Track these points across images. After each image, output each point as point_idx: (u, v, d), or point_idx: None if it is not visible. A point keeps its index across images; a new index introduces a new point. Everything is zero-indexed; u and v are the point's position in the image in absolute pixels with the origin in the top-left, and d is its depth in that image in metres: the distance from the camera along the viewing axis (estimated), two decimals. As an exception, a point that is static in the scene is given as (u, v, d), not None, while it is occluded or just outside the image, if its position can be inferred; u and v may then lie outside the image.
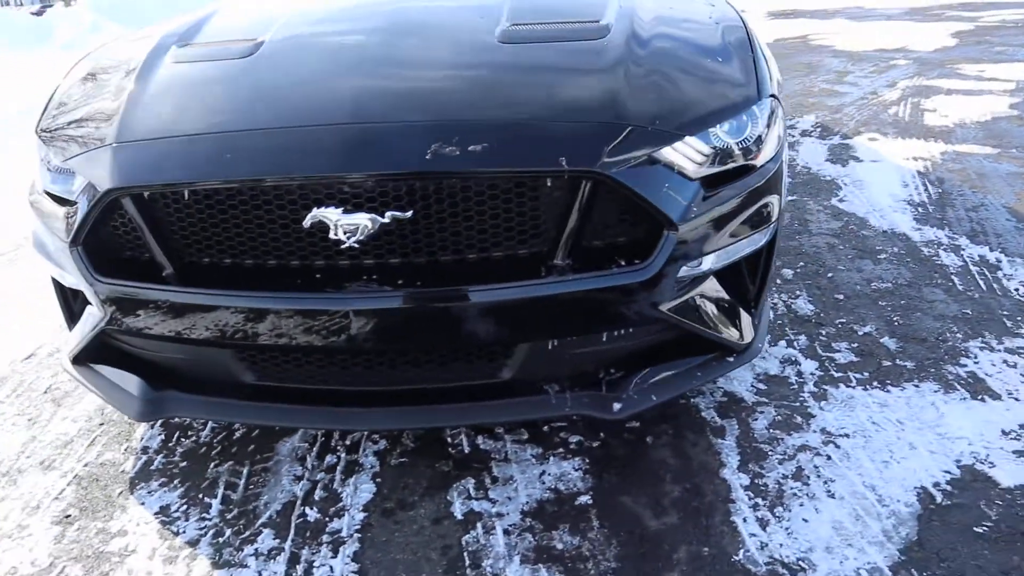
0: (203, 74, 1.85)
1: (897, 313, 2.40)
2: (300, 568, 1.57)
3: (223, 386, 1.75)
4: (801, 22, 9.26)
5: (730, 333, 1.76)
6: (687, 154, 1.60)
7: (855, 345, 2.23)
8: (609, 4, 2.02)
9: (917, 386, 2.03)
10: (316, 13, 2.21)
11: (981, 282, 2.57)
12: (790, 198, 3.45)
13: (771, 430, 1.89)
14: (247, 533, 1.67)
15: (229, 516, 1.73)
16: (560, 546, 1.59)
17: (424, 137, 1.50)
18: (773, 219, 1.79)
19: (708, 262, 1.67)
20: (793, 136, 4.45)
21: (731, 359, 1.77)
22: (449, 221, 1.54)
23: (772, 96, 1.82)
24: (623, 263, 1.56)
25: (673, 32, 1.93)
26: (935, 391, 2.00)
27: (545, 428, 1.93)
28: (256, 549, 1.63)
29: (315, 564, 1.58)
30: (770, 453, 1.81)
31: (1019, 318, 2.32)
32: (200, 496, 1.80)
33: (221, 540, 1.66)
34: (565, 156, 1.49)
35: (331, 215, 1.51)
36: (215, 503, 1.77)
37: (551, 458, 1.84)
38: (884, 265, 2.73)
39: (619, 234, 1.60)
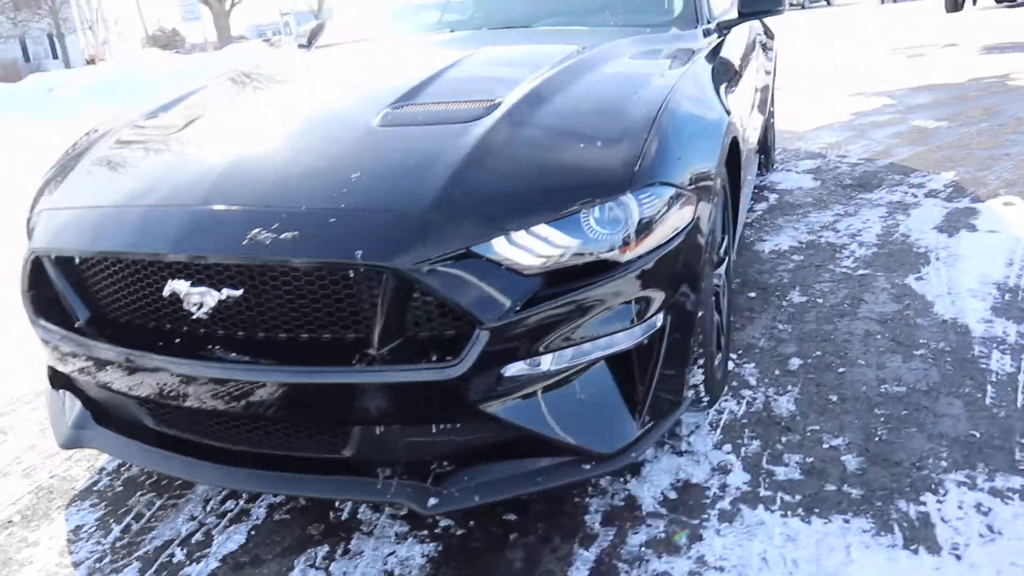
0: (122, 154, 2.05)
1: (887, 426, 2.06)
2: (136, 608, 1.71)
3: (133, 428, 1.94)
4: (1014, 57, 8.09)
5: (588, 438, 1.64)
6: (522, 247, 1.53)
7: (809, 460, 1.96)
8: (532, 77, 1.97)
9: (846, 521, 1.74)
10: (242, 101, 2.35)
11: (1021, 398, 2.13)
12: (862, 271, 3.07)
13: (643, 548, 1.72)
14: (120, 563, 1.84)
15: (118, 545, 1.91)
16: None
17: (245, 223, 1.57)
18: (649, 317, 1.65)
19: (547, 362, 1.58)
20: (915, 197, 3.94)
21: (587, 466, 1.65)
22: (275, 302, 1.60)
23: (668, 184, 1.67)
24: (435, 358, 1.53)
25: (572, 109, 1.84)
26: (863, 531, 1.71)
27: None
28: (115, 583, 1.79)
29: (150, 606, 1.71)
30: None
31: (1041, 451, 1.91)
32: (110, 521, 2.00)
33: (97, 567, 1.84)
34: (363, 249, 1.49)
35: (181, 287, 1.64)
36: (116, 530, 1.96)
37: (409, 539, 1.82)
38: (914, 363, 2.36)
39: (444, 327, 1.57)
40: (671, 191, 1.69)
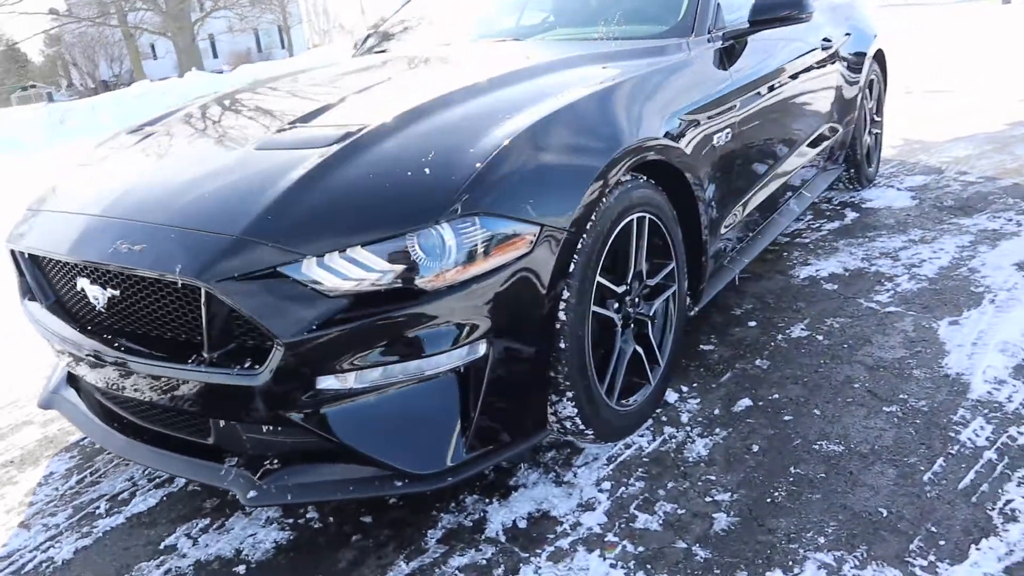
0: (90, 164, 2.33)
1: (791, 488, 1.88)
2: (46, 545, 2.00)
3: (86, 397, 2.24)
4: None
5: (399, 456, 1.68)
6: (332, 270, 1.60)
7: (679, 512, 1.84)
8: (417, 100, 2.01)
9: (671, 581, 1.64)
10: (193, 120, 2.48)
11: (969, 477, 1.84)
12: (892, 308, 2.74)
13: (457, 571, 1.73)
14: (59, 508, 2.16)
15: (68, 493, 2.23)
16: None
17: (116, 234, 1.78)
18: (464, 344, 1.66)
19: (351, 380, 1.64)
20: (1018, 226, 3.40)
21: (399, 483, 1.69)
22: (139, 304, 1.80)
23: (496, 215, 1.66)
24: (247, 365, 1.65)
25: (425, 137, 1.83)
26: (681, 595, 1.60)
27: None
28: (45, 523, 2.10)
29: (55, 545, 1.99)
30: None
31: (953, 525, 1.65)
32: (74, 472, 2.33)
33: (44, 508, 2.17)
34: (182, 264, 1.64)
35: (83, 284, 1.90)
36: (73, 480, 2.29)
37: (273, 525, 1.95)
38: (874, 421, 2.10)
39: (260, 338, 1.68)
40: (503, 223, 1.67)
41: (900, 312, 2.72)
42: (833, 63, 3.45)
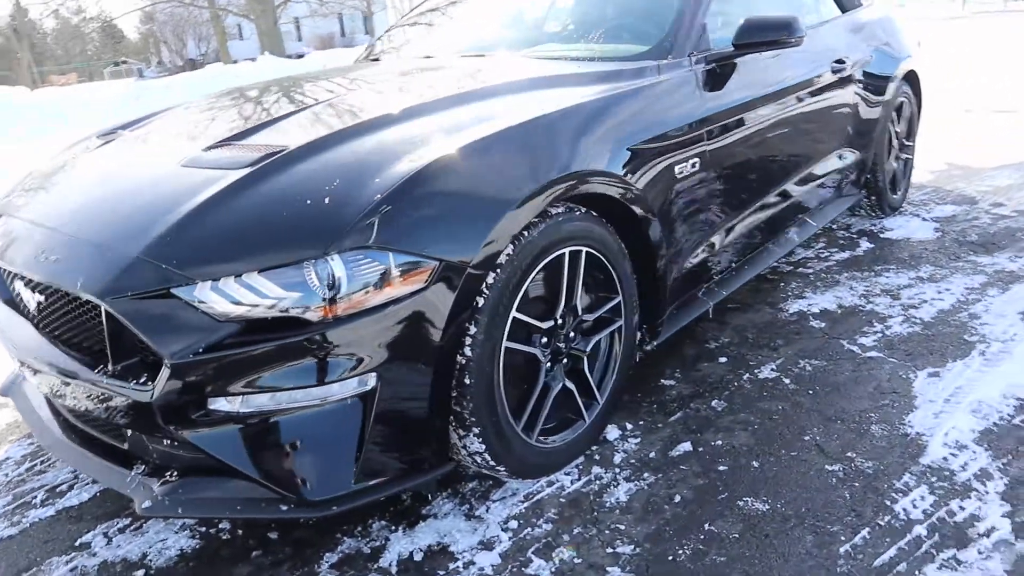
0: (54, 166, 2.37)
1: (698, 546, 1.79)
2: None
3: (39, 395, 2.31)
4: None
5: (283, 481, 1.68)
6: (225, 294, 1.60)
7: (576, 561, 1.77)
8: (342, 124, 1.99)
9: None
10: (151, 125, 2.50)
11: (888, 555, 1.72)
12: (874, 354, 2.59)
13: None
14: (1, 494, 2.24)
15: (15, 479, 2.31)
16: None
17: (40, 244, 1.83)
18: (350, 377, 1.64)
19: (237, 403, 1.64)
20: (1042, 268, 3.17)
21: (284, 507, 1.69)
22: (60, 312, 1.85)
23: (392, 249, 1.63)
24: (143, 380, 1.66)
25: (337, 163, 1.80)
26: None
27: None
28: (-15, 509, 2.19)
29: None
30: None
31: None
32: (27, 459, 2.42)
33: (-13, 493, 2.26)
34: (83, 279, 1.66)
35: (19, 288, 1.96)
36: (24, 467, 2.37)
37: (187, 532, 1.98)
38: (812, 480, 1.98)
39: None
40: (398, 257, 1.64)
41: (880, 358, 2.57)
42: (846, 86, 3.27)
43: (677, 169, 2.31)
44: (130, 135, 2.43)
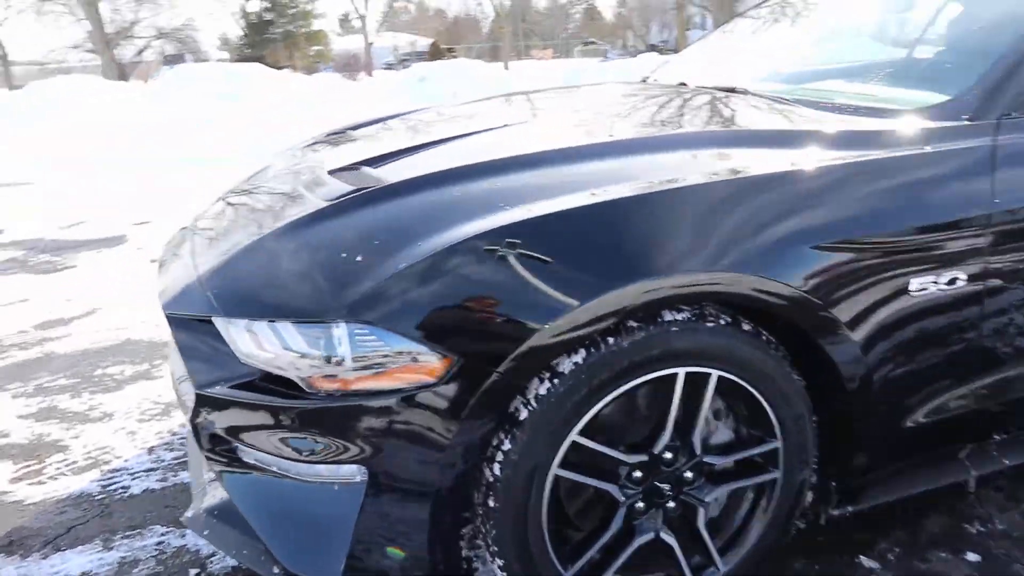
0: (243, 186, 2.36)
1: None
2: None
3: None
4: None
5: (281, 544, 1.53)
6: (253, 335, 1.51)
7: None
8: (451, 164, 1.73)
9: None
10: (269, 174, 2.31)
11: None
12: None
13: None
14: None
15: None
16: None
17: (185, 249, 1.91)
18: (334, 461, 1.45)
19: (247, 451, 1.55)
20: None
21: (276, 570, 1.54)
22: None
23: (397, 332, 1.37)
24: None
25: (395, 211, 1.58)
26: None
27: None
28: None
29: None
30: None
31: None
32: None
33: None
34: (165, 291, 1.72)
35: None
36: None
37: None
38: None
39: None
40: (403, 343, 1.36)
41: None
42: None
43: (916, 284, 1.58)
44: (331, 140, 2.47)
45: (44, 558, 1.98)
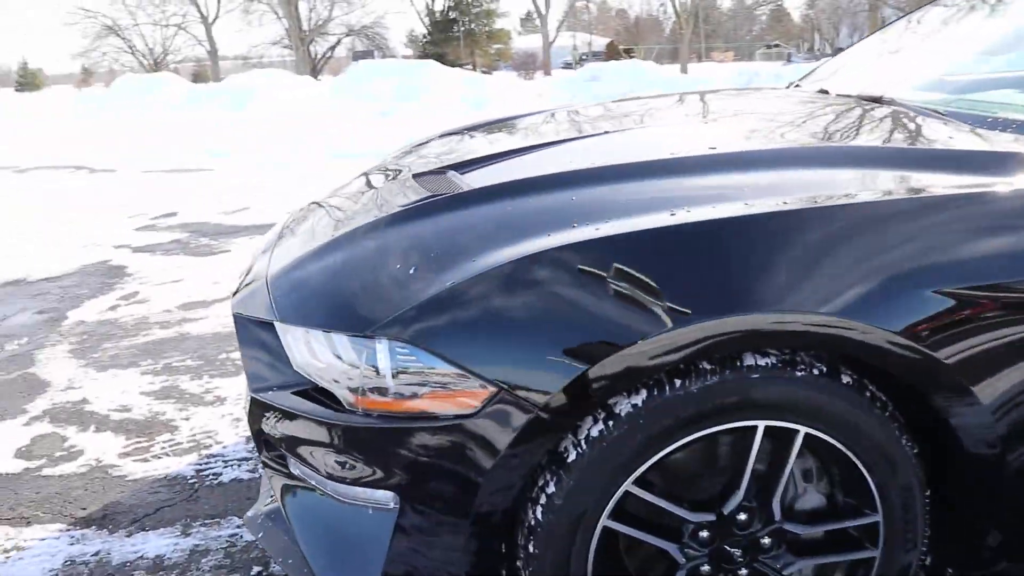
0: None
1: None
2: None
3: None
4: None
5: (324, 562, 1.47)
6: (307, 346, 1.45)
7: None
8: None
9: None
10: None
11: None
12: None
13: None
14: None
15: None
16: None
17: None
18: (370, 485, 1.36)
19: (292, 461, 1.50)
20: None
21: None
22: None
23: (437, 355, 1.26)
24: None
25: (459, 222, 1.47)
26: None
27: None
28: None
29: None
30: None
31: None
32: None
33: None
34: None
35: None
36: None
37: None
38: None
39: None
40: (441, 364, 1.25)
41: None
42: None
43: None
44: (444, 140, 2.39)
45: (128, 536, 2.05)
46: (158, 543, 2.02)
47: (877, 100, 1.98)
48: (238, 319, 1.64)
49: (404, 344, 1.28)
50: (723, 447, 1.34)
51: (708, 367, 1.26)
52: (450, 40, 43.56)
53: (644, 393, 1.25)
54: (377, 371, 1.30)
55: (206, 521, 2.10)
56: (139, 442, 2.53)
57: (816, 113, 1.98)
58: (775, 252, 1.25)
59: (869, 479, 1.33)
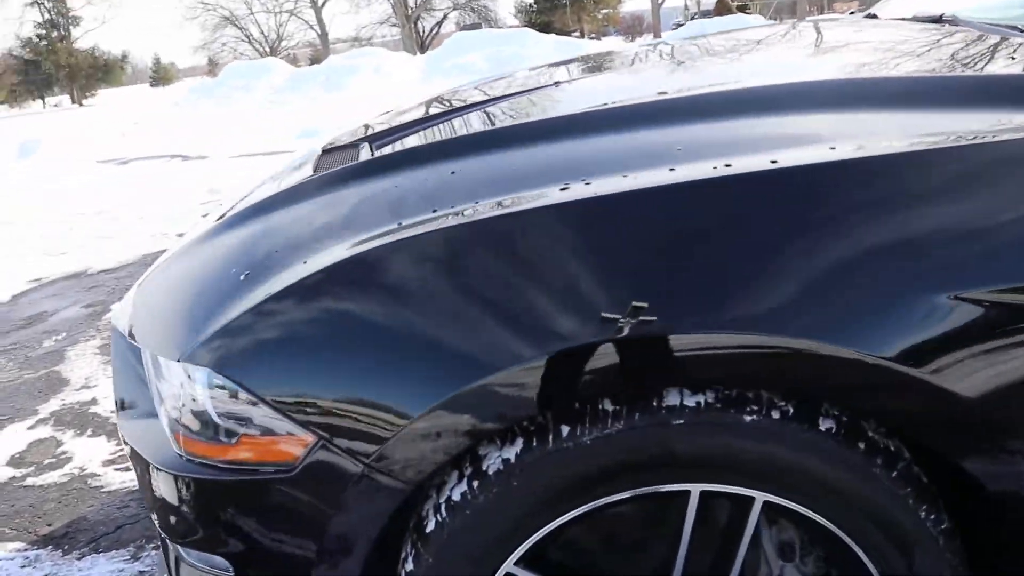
0: None
1: None
2: None
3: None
4: None
5: None
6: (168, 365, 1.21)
7: None
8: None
9: None
10: None
11: None
12: None
13: None
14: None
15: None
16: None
17: None
18: (201, 544, 1.09)
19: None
20: None
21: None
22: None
23: (250, 393, 0.97)
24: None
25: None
26: None
27: None
28: None
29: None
30: None
31: None
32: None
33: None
34: None
35: None
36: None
37: None
38: None
39: None
40: (257, 408, 0.95)
41: None
42: None
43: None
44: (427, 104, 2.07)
45: (80, 558, 1.91)
46: (105, 568, 1.86)
47: (937, 20, 1.52)
48: (114, 331, 1.41)
49: (218, 374, 0.99)
50: (647, 517, 0.99)
51: (610, 408, 0.90)
52: (557, 7, 42.71)
53: (520, 443, 0.91)
54: (191, 406, 1.03)
55: (159, 544, 1.92)
56: (123, 449, 2.40)
57: (848, 39, 1.54)
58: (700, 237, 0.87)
59: (863, 558, 0.94)
